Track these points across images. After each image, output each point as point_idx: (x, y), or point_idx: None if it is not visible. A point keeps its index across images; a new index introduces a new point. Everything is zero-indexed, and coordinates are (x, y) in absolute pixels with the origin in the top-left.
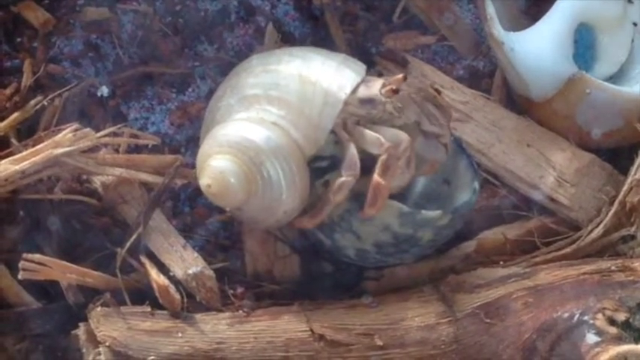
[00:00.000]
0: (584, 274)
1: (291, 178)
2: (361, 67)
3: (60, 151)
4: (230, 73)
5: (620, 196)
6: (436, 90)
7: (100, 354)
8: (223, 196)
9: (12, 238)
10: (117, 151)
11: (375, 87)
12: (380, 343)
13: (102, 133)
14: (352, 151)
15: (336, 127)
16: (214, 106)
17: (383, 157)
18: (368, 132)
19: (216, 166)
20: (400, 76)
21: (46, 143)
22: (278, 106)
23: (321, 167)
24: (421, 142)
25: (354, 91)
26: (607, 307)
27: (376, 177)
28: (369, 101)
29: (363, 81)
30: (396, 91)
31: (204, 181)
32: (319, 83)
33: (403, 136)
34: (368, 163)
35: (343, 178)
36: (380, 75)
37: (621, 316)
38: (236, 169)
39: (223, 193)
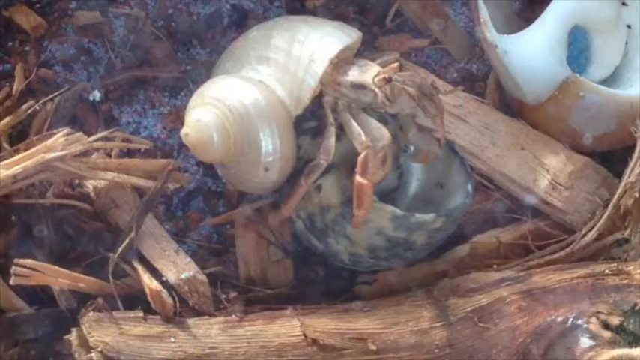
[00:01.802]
0: (577, 277)
1: (272, 134)
2: (355, 33)
3: (52, 155)
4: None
5: (614, 200)
6: (434, 87)
7: (92, 359)
8: (201, 146)
9: (4, 243)
10: (109, 155)
11: (370, 73)
12: (373, 347)
13: (94, 137)
14: (331, 137)
15: (325, 105)
16: (214, 72)
17: (361, 157)
18: (354, 123)
19: (195, 115)
20: (395, 65)
21: (37, 148)
22: (266, 65)
23: None
24: (415, 134)
25: (343, 62)
26: (601, 310)
27: (357, 178)
28: (360, 86)
29: (358, 64)
30: (388, 80)
31: (183, 131)
32: (307, 42)
33: (385, 133)
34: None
35: (316, 161)
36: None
37: (615, 320)
38: (214, 120)
39: (201, 142)
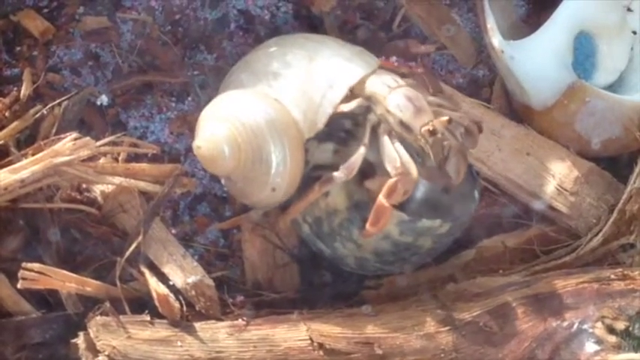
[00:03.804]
0: (583, 282)
1: (283, 155)
2: (374, 61)
3: (59, 160)
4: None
5: (620, 205)
6: (478, 126)
7: None
8: (213, 159)
9: (11, 247)
10: (116, 160)
11: (420, 120)
12: (379, 351)
13: (101, 142)
14: (359, 156)
15: (368, 123)
16: (228, 79)
17: (392, 182)
18: (391, 147)
19: (209, 129)
20: (445, 119)
21: (45, 152)
22: (283, 83)
23: (320, 176)
24: (433, 169)
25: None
26: (606, 315)
27: (381, 198)
28: (407, 128)
29: (415, 103)
30: (433, 133)
31: (195, 143)
32: (328, 67)
33: (413, 171)
34: (367, 171)
35: (336, 173)
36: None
37: (621, 325)
38: (228, 135)
39: (213, 156)
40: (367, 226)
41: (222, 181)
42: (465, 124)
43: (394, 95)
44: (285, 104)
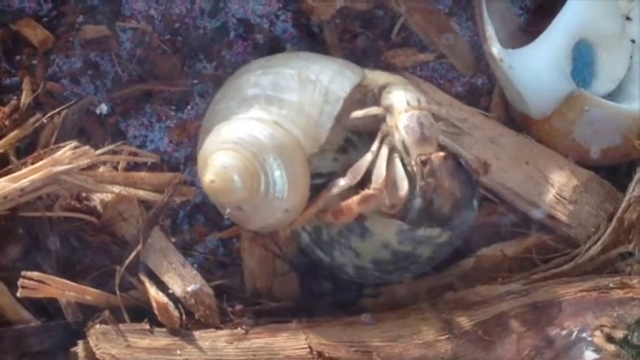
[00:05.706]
0: (582, 291)
1: (294, 176)
2: (360, 70)
3: (59, 168)
4: (229, 78)
5: (619, 214)
6: (485, 168)
7: None
8: (226, 192)
9: (11, 255)
10: (116, 168)
11: (420, 149)
12: None
13: (101, 150)
14: (365, 162)
15: (380, 133)
16: (213, 109)
17: (369, 192)
18: (384, 162)
19: (220, 161)
20: (441, 154)
21: (45, 161)
22: (278, 106)
23: (319, 184)
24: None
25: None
26: (605, 324)
27: (353, 200)
28: (406, 150)
29: (424, 129)
30: (425, 164)
31: (207, 178)
32: (319, 82)
33: (404, 191)
34: (365, 177)
35: (341, 179)
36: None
37: (619, 334)
38: (239, 165)
39: (226, 188)
40: (328, 213)
41: (227, 212)
42: (473, 166)
43: (408, 115)
44: (284, 125)
